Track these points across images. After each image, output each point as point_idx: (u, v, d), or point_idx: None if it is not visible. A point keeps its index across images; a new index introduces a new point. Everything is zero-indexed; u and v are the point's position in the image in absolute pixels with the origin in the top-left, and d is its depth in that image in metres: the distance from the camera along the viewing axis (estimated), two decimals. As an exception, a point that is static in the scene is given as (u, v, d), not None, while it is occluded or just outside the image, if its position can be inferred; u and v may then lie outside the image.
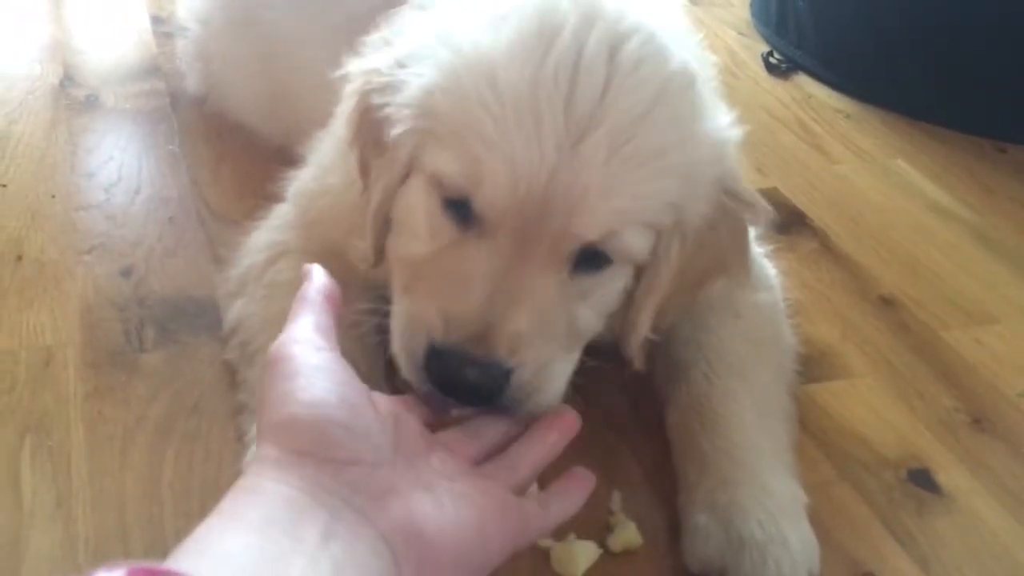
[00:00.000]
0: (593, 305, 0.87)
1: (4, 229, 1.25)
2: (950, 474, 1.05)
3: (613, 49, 0.81)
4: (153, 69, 1.66)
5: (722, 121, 0.89)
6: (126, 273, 1.18)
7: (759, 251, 1.16)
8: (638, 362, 0.94)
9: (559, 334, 0.84)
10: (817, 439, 1.07)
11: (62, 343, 1.07)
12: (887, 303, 1.31)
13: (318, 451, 0.65)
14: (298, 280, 0.95)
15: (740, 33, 2.04)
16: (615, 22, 0.83)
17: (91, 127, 1.50)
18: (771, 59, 1.92)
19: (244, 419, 0.94)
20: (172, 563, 0.54)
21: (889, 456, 1.06)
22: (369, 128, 0.88)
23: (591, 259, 0.84)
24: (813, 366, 1.17)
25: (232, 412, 0.98)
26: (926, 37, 1.74)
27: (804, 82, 1.87)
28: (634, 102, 0.80)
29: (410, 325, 0.82)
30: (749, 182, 1.45)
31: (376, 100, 0.86)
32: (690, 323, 1.05)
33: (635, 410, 1.06)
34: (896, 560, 0.94)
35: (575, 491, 0.81)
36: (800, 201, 1.50)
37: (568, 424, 0.84)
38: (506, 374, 0.79)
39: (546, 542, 0.90)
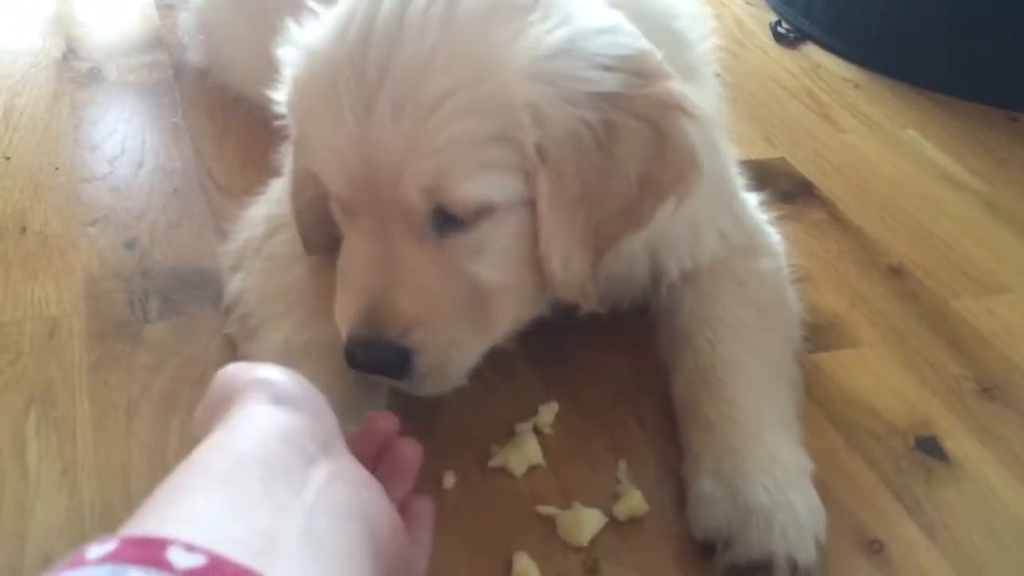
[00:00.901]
0: (490, 263, 0.83)
1: (8, 201, 1.24)
2: (959, 442, 1.04)
3: (403, 4, 0.79)
4: (156, 42, 1.66)
5: (560, 27, 0.79)
6: (130, 245, 1.18)
7: (762, 218, 1.15)
8: (583, 304, 0.89)
9: (459, 308, 0.82)
10: (824, 407, 1.07)
11: (67, 314, 1.07)
12: (896, 273, 1.30)
13: None
14: (296, 254, 0.96)
15: (747, 2, 2.01)
16: None
17: (94, 100, 1.49)
18: (779, 28, 1.90)
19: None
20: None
21: (897, 424, 1.05)
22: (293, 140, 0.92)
23: (452, 220, 0.81)
24: (821, 335, 1.16)
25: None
26: (936, 5, 1.71)
27: (812, 51, 1.85)
28: (415, 51, 0.77)
29: (337, 305, 0.86)
30: (757, 152, 1.47)
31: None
32: (692, 292, 1.04)
33: (640, 378, 1.06)
34: (903, 528, 0.94)
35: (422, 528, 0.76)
36: (808, 171, 1.49)
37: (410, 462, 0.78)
38: (404, 354, 0.81)
39: (551, 510, 0.90)
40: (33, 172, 1.30)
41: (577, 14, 0.82)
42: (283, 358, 0.91)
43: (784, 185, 1.46)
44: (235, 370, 0.66)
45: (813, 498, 0.88)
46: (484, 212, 0.81)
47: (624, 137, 0.81)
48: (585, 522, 0.88)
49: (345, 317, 0.83)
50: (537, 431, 0.98)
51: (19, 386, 0.97)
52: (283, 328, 0.94)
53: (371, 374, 0.83)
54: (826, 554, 0.87)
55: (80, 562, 0.44)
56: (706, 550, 0.87)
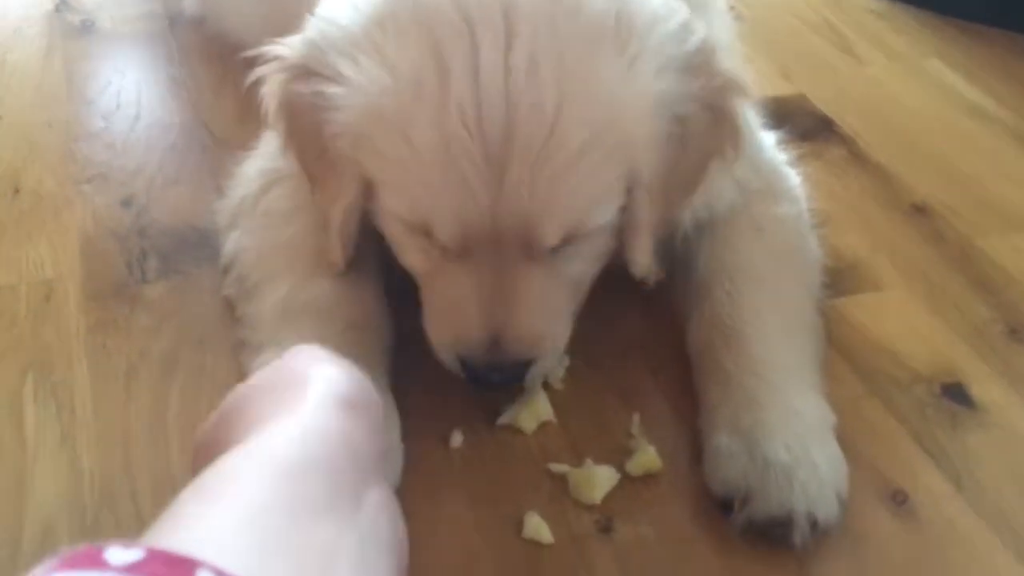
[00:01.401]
0: (582, 263, 0.86)
1: (0, 161, 1.21)
2: (985, 388, 1.00)
3: (506, 52, 0.76)
4: (149, -9, 1.60)
5: (655, 54, 0.81)
6: (127, 203, 1.15)
7: (780, 159, 1.11)
8: (650, 278, 0.92)
9: (564, 306, 0.86)
10: (845, 354, 1.03)
11: (62, 276, 1.04)
12: (920, 211, 1.25)
13: None
14: (293, 209, 0.92)
15: (764, -69, 1.93)
16: (506, 12, 0.77)
17: (88, 53, 1.45)
18: (797, -43, 1.82)
19: (246, 356, 0.91)
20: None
21: (921, 370, 1.02)
22: (301, 125, 0.84)
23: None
24: (841, 279, 1.12)
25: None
26: (963, -74, 1.63)
27: (832, -19, 1.77)
28: (535, 106, 0.76)
29: (435, 336, 0.86)
30: (775, 89, 1.41)
31: (302, 90, 0.82)
32: (710, 240, 1.00)
33: (655, 330, 1.02)
34: (928, 477, 0.90)
35: None
36: (828, 107, 1.42)
37: None
38: (529, 363, 0.85)
39: (563, 468, 0.87)
40: (26, 130, 1.27)
41: (651, 18, 0.81)
42: (282, 318, 0.89)
43: (803, 122, 1.40)
44: (303, 358, 0.61)
45: (835, 452, 0.85)
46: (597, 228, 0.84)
47: (696, 132, 0.84)
48: (597, 480, 0.85)
49: (464, 345, 0.84)
50: (547, 386, 0.95)
51: (15, 352, 0.95)
52: (281, 287, 0.91)
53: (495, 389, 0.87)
54: (848, 507, 0.84)
55: (100, 564, 0.40)
56: (723, 507, 0.84)
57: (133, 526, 0.80)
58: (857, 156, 1.34)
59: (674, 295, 1.02)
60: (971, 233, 1.21)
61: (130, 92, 1.36)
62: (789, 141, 1.17)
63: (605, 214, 0.83)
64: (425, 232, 0.82)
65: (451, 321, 0.84)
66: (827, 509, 0.81)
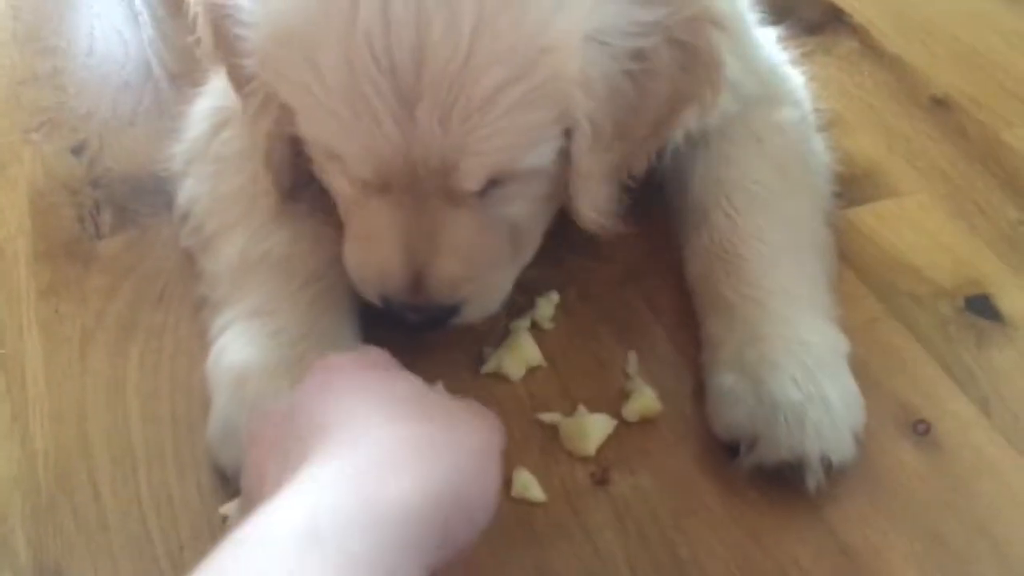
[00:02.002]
0: (518, 207, 0.79)
1: (-59, 112, 1.13)
2: (1014, 299, 0.92)
3: None
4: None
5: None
6: (78, 151, 1.07)
7: (781, 58, 1.01)
8: (607, 227, 0.83)
9: (496, 251, 0.79)
10: (860, 271, 0.95)
11: (11, 235, 0.97)
12: (940, 105, 1.15)
13: None
14: (247, 150, 0.84)
15: None
16: None
17: (34, -15, 1.35)
18: None
19: (207, 314, 0.84)
20: None
21: (944, 284, 0.94)
22: (226, 44, 0.76)
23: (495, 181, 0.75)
24: (855, 186, 1.03)
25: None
26: None
27: None
28: (449, 41, 0.67)
29: (354, 267, 0.80)
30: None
31: (224, 13, 0.74)
32: (704, 155, 0.91)
33: (651, 257, 0.94)
34: (953, 403, 0.83)
35: None
36: (838, -5, 1.31)
37: None
38: (455, 308, 0.78)
39: (554, 417, 0.81)
40: (-33, 77, 1.18)
41: None
42: (240, 273, 0.83)
43: (809, 13, 1.29)
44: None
45: (849, 385, 0.78)
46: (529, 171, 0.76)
47: (658, 69, 0.75)
48: (591, 429, 0.79)
49: (382, 282, 0.78)
50: (536, 327, 0.88)
51: (-38, 322, 0.89)
52: (237, 239, 0.84)
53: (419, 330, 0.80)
54: (865, 441, 0.78)
55: None
56: (730, 450, 0.78)
57: (91, 511, 0.75)
58: (870, 48, 1.24)
59: (672, 221, 0.94)
60: (996, 126, 1.11)
61: (80, 25, 1.27)
62: (793, 36, 1.07)
63: (537, 157, 0.74)
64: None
65: (371, 256, 0.78)
66: (842, 450, 0.75)
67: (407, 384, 0.63)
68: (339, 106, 0.69)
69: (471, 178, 0.72)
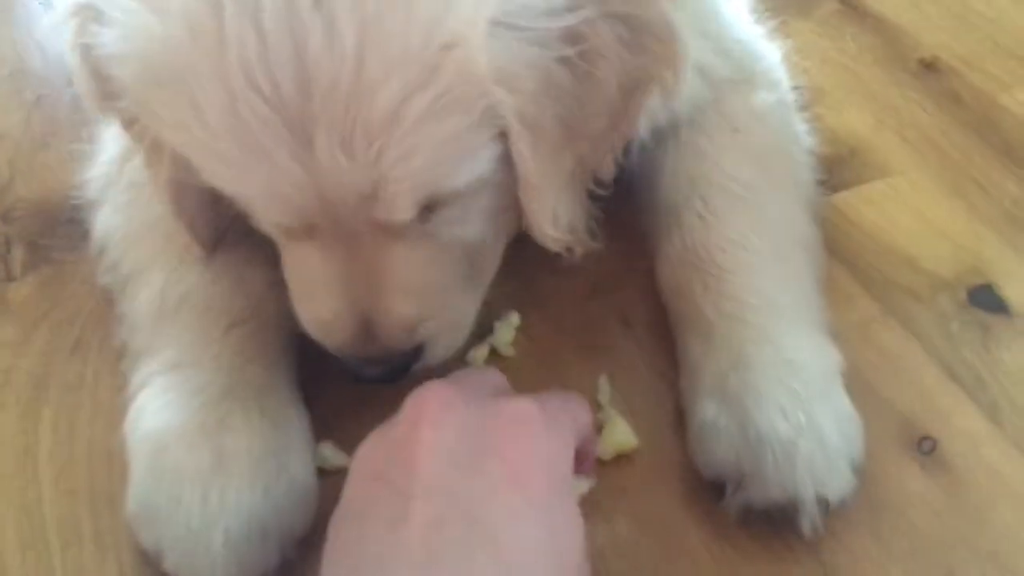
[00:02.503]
0: (475, 222, 0.69)
1: None
2: (1021, 287, 0.84)
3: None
4: None
5: None
6: (-13, 181, 0.97)
7: (754, 33, 0.91)
8: (572, 244, 0.73)
9: (450, 280, 0.70)
10: (851, 266, 0.86)
11: (-88, 284, 0.88)
12: (930, 69, 1.06)
13: None
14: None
15: None
16: None
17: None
18: None
19: (126, 364, 0.75)
20: None
21: (943, 274, 0.86)
22: (106, 89, 0.64)
23: (435, 203, 0.65)
24: (841, 168, 0.95)
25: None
26: None
27: None
28: (334, 56, 0.55)
29: (303, 321, 0.70)
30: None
31: (94, 38, 0.62)
32: (675, 149, 0.82)
33: (623, 268, 0.85)
34: (960, 414, 0.75)
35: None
36: (813, -50, 1.21)
37: None
38: (416, 352, 0.69)
39: None
40: None
41: None
42: (158, 319, 0.74)
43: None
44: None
45: (844, 409, 0.70)
46: (467, 186, 0.65)
47: (602, 53, 0.63)
48: None
49: (330, 335, 0.69)
50: (495, 353, 0.80)
51: None
52: (155, 280, 0.75)
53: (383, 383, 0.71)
54: (868, 464, 0.70)
55: None
56: (715, 489, 0.69)
57: (-2, 605, 0.67)
58: (853, 9, 1.15)
59: (643, 224, 0.84)
60: (992, 89, 1.03)
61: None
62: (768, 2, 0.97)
63: (470, 171, 0.63)
64: None
65: (313, 306, 0.69)
66: (839, 486, 0.67)
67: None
68: (227, 147, 0.58)
69: (397, 208, 0.62)
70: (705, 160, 0.81)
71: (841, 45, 1.10)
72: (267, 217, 0.64)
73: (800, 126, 0.89)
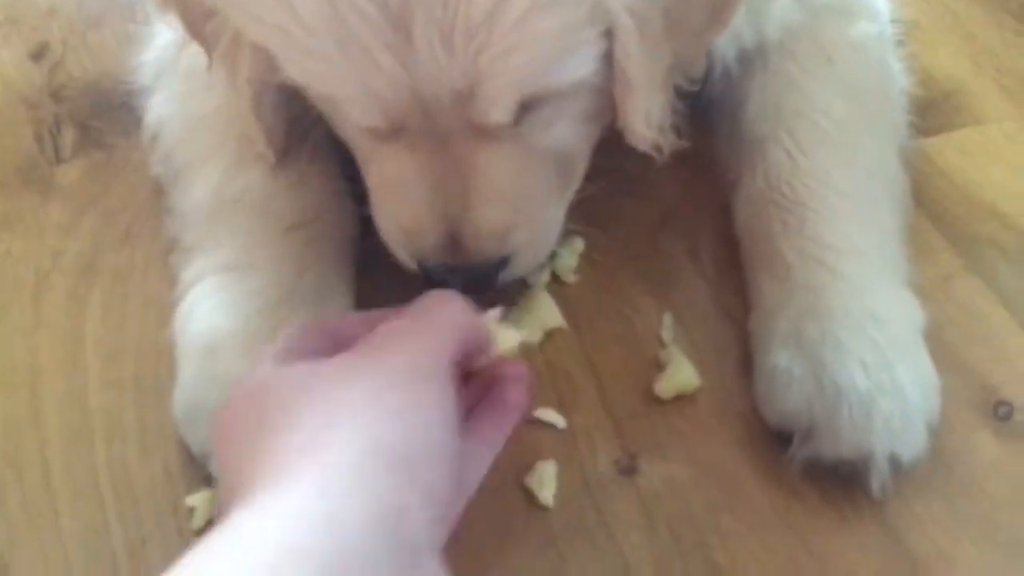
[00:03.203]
0: (560, 130, 0.66)
1: None
2: (1119, 247, 0.80)
3: None
4: None
5: None
6: (38, 55, 0.94)
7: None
8: (663, 144, 0.69)
9: (541, 188, 0.66)
10: (936, 216, 0.82)
11: (-40, 158, 0.86)
12: (1035, 10, 0.99)
13: None
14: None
15: None
16: None
17: None
18: None
19: (176, 259, 0.73)
20: None
21: (1033, 229, 0.81)
22: None
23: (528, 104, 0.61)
24: (933, 112, 0.89)
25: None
26: None
27: None
28: None
29: (383, 229, 0.68)
30: None
31: None
32: (763, 77, 0.78)
33: (695, 196, 0.81)
34: (1041, 380, 0.72)
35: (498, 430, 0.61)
36: None
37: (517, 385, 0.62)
38: (503, 262, 0.66)
39: (552, 416, 0.70)
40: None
41: None
42: (214, 215, 0.72)
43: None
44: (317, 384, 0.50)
45: (925, 367, 0.67)
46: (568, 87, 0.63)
47: None
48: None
49: (414, 244, 0.66)
50: (557, 280, 0.77)
51: (-99, 264, 0.78)
52: (212, 173, 0.73)
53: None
54: (940, 428, 0.67)
55: None
56: (780, 439, 0.67)
57: (41, 494, 0.66)
58: (956, -60, 1.07)
59: (718, 153, 0.80)
60: (1103, 35, 0.96)
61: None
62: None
63: (573, 69, 0.60)
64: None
65: (397, 213, 0.66)
66: (914, 446, 0.64)
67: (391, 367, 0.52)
68: (323, 44, 0.55)
69: (496, 107, 0.59)
70: (795, 90, 0.77)
71: (942, -22, 1.03)
72: (358, 118, 0.61)
73: (896, 62, 0.84)
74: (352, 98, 0.59)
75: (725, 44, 0.75)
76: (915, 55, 0.91)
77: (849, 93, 0.77)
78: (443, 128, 0.60)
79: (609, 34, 0.60)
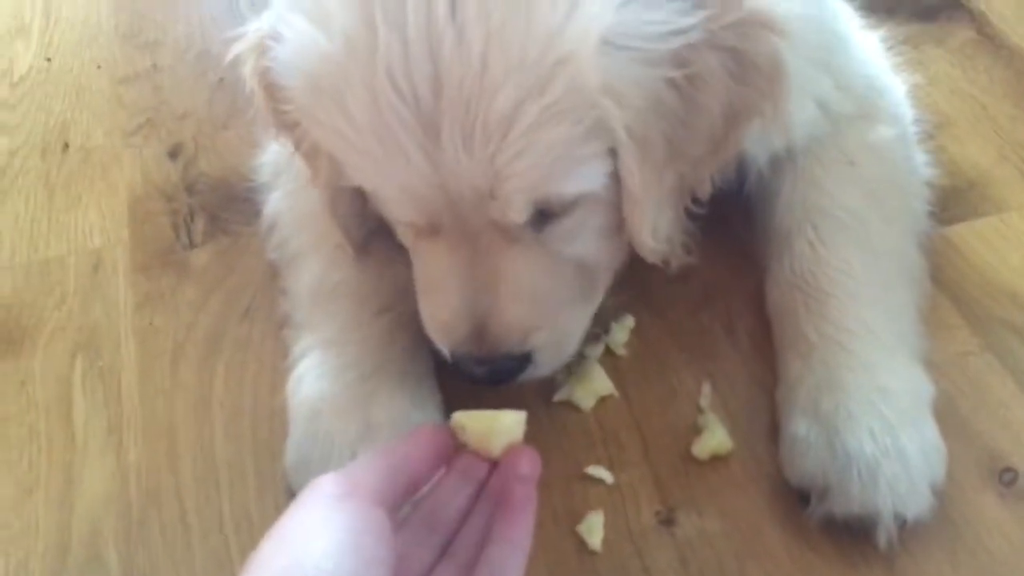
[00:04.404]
0: (588, 240, 0.75)
1: (50, 113, 1.18)
2: None
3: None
4: None
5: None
6: (174, 154, 1.10)
7: (880, 67, 0.94)
8: (670, 257, 0.79)
9: (564, 293, 0.75)
10: (956, 298, 0.90)
11: (111, 243, 1.01)
12: (1060, 106, 1.07)
13: None
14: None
15: None
16: None
17: (137, -24, 1.37)
18: None
19: (289, 334, 0.87)
20: None
21: (1047, 315, 0.88)
22: (274, 103, 0.74)
23: (547, 213, 0.72)
24: (958, 200, 0.98)
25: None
26: None
27: None
28: (462, 62, 0.63)
29: (425, 320, 0.77)
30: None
31: (268, 64, 0.72)
32: (792, 177, 0.88)
33: (733, 279, 0.92)
34: (1045, 450, 0.79)
35: (518, 523, 0.64)
36: (957, -25, 1.22)
37: (528, 477, 0.66)
38: (525, 358, 0.74)
39: (601, 472, 0.80)
40: (75, 73, 1.23)
41: None
42: (316, 299, 0.86)
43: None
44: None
45: (931, 436, 0.75)
46: (579, 198, 0.72)
47: (708, 80, 0.69)
48: (496, 428, 0.68)
49: (446, 334, 0.75)
50: (610, 352, 0.88)
51: (65, 333, 0.94)
52: (316, 264, 0.86)
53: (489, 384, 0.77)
54: (949, 488, 0.75)
55: None
56: (801, 497, 0.76)
57: (178, 529, 0.79)
58: (988, 39, 1.16)
59: (755, 243, 0.91)
60: (1122, 137, 1.03)
61: (178, 19, 1.29)
62: (903, 24, 1.00)
63: (582, 181, 0.69)
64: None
65: (435, 305, 0.75)
66: (918, 506, 0.73)
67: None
68: (369, 144, 0.67)
69: (512, 208, 0.69)
70: (819, 190, 0.86)
71: (973, 76, 1.11)
72: (399, 214, 0.72)
73: (919, 159, 0.93)
74: (392, 194, 0.70)
75: (758, 149, 0.84)
76: (944, 147, 1.00)
77: (868, 191, 0.86)
78: (472, 228, 0.70)
79: (614, 153, 0.69)
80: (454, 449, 0.67)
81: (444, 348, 0.76)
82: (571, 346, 0.79)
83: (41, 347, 0.93)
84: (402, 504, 0.62)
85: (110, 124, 1.15)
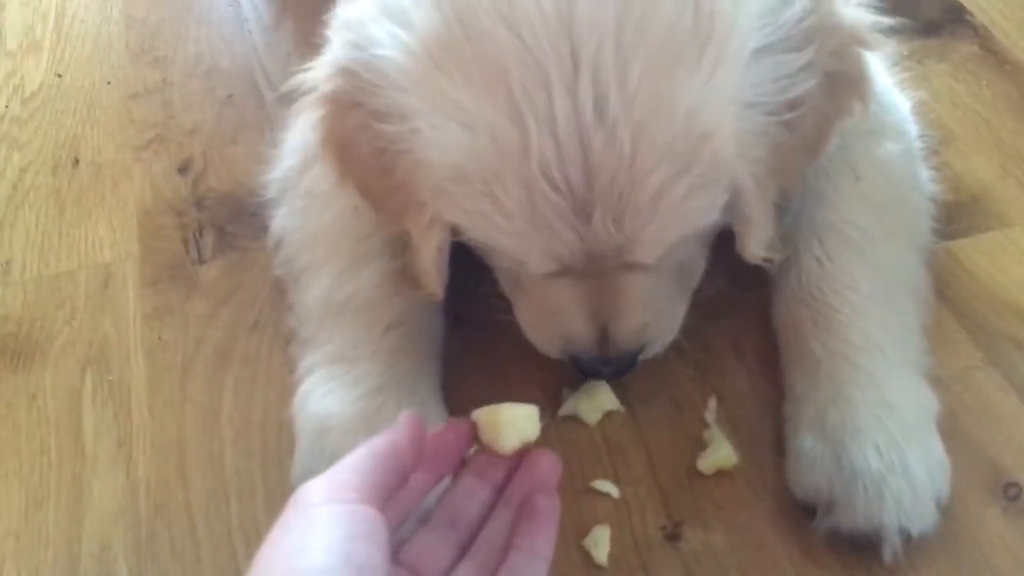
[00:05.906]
0: (691, 250, 0.80)
1: (61, 128, 1.19)
2: None
3: (574, 87, 0.66)
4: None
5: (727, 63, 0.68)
6: (184, 169, 1.11)
7: (886, 84, 0.95)
8: (774, 255, 0.82)
9: (670, 290, 0.80)
10: (960, 313, 0.91)
11: (120, 258, 1.02)
12: (1065, 121, 1.08)
13: None
14: (332, 190, 0.85)
15: None
16: (569, 32, 0.66)
17: (147, -7, 1.39)
18: None
19: (294, 349, 0.87)
20: None
21: (1052, 328, 0.89)
22: (359, 158, 0.76)
23: None
24: (960, 215, 0.98)
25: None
26: None
27: None
28: (614, 157, 0.66)
29: (537, 336, 0.82)
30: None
31: (353, 123, 0.74)
32: (799, 192, 0.88)
33: (738, 295, 0.92)
34: (1050, 466, 0.80)
35: (541, 533, 0.67)
36: (961, -11, 1.23)
37: (548, 479, 0.70)
38: (640, 349, 0.80)
39: (608, 487, 0.81)
40: (86, 89, 1.24)
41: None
42: (324, 315, 0.86)
43: (929, 11, 1.22)
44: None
45: (935, 451, 0.76)
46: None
47: (812, 104, 0.73)
48: (508, 424, 0.70)
49: (575, 344, 0.79)
50: (614, 368, 0.88)
51: (75, 347, 0.94)
52: (323, 279, 0.87)
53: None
54: (952, 503, 0.76)
55: None
56: (806, 511, 0.77)
57: (187, 544, 0.80)
58: (991, 54, 1.17)
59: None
60: (1125, 150, 1.04)
61: (188, 36, 1.30)
62: (906, 39, 1.01)
63: (707, 220, 0.74)
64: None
65: (555, 326, 0.79)
66: (923, 521, 0.73)
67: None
68: (519, 226, 0.70)
69: (648, 257, 0.73)
70: (826, 205, 0.87)
71: (975, 91, 1.12)
72: (536, 268, 0.74)
73: (923, 174, 0.94)
74: (535, 258, 0.73)
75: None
76: (947, 162, 1.01)
77: (873, 206, 0.87)
78: (601, 267, 0.73)
79: (731, 187, 0.73)
80: (474, 448, 0.69)
81: (564, 356, 0.81)
82: (675, 330, 0.83)
83: (51, 361, 0.94)
84: (393, 493, 0.63)
85: (120, 139, 1.16)
